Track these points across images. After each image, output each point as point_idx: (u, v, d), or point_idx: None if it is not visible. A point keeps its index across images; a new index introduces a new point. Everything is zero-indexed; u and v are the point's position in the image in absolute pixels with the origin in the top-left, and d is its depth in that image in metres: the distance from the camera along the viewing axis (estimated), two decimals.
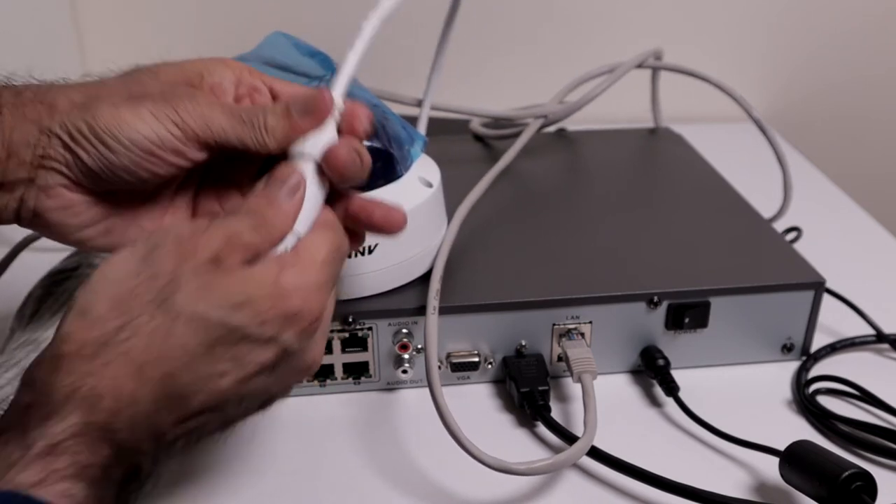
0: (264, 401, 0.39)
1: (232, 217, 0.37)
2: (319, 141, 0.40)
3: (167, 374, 0.34)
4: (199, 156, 0.40)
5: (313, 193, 0.40)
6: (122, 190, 0.41)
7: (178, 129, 0.39)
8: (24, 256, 0.58)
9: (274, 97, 0.43)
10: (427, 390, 0.49)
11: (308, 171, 0.40)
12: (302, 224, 0.39)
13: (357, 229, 0.42)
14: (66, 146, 0.39)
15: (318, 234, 0.39)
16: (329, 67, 0.54)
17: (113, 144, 0.39)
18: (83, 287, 0.35)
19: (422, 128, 0.65)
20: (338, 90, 0.42)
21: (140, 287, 0.34)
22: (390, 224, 0.42)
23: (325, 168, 0.40)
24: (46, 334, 0.49)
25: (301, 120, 0.40)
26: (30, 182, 0.40)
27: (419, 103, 0.68)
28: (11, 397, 0.35)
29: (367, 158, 0.41)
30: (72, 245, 0.43)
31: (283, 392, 0.39)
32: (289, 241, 0.39)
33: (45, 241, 0.60)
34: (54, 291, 0.53)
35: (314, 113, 0.40)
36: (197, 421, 0.36)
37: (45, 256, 0.59)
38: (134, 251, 0.35)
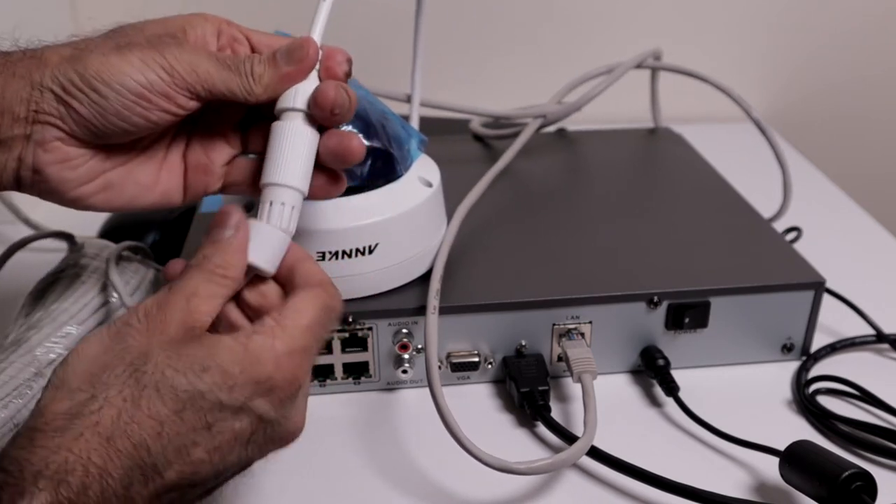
0: (242, 467, 0.38)
1: (185, 276, 0.37)
2: (304, 92, 0.41)
3: (137, 444, 0.33)
4: (189, 104, 0.41)
5: (306, 147, 0.40)
6: (117, 141, 0.41)
7: (166, 73, 0.40)
8: (20, 256, 0.58)
9: (252, 47, 0.44)
10: (427, 390, 0.49)
11: (297, 124, 0.40)
12: (300, 179, 0.40)
13: (325, 165, 0.43)
14: (58, 98, 0.39)
15: (306, 296, 0.38)
16: None
17: (104, 90, 0.39)
18: (60, 364, 0.35)
19: (414, 124, 0.65)
20: (315, 38, 0.42)
21: (112, 361, 0.34)
22: (347, 151, 0.42)
23: (315, 108, 0.40)
24: (29, 333, 0.49)
25: (287, 67, 0.41)
26: (26, 139, 0.40)
27: (408, 98, 0.68)
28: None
29: (354, 95, 0.41)
30: (72, 204, 0.42)
31: (262, 457, 0.38)
32: (295, 199, 0.39)
33: (42, 242, 0.60)
34: (45, 293, 0.53)
35: (300, 60, 0.41)
36: (172, 495, 0.35)
37: (41, 256, 0.59)
38: (108, 330, 0.36)
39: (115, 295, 0.53)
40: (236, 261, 0.38)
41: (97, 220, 0.70)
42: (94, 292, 0.53)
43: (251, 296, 0.40)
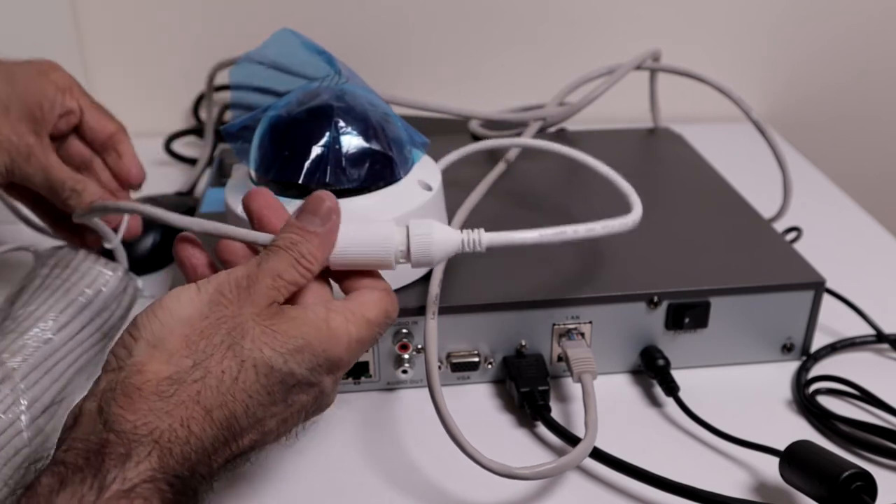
0: (291, 431, 0.41)
1: (273, 255, 0.39)
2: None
3: (230, 416, 0.36)
4: None
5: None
6: None
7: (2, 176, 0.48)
8: (18, 255, 0.58)
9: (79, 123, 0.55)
10: (427, 390, 0.49)
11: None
12: None
13: None
14: None
15: (374, 295, 0.41)
16: (333, 66, 0.54)
17: None
18: (147, 316, 0.37)
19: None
20: None
21: (209, 329, 0.36)
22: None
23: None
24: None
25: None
26: None
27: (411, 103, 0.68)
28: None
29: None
30: None
31: (304, 423, 0.42)
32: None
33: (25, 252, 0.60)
34: (13, 303, 0.54)
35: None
36: (239, 458, 0.38)
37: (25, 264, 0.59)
38: (199, 293, 0.38)
39: (87, 291, 0.55)
40: (321, 255, 0.41)
41: None
42: (57, 296, 0.53)
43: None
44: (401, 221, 0.53)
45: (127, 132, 0.59)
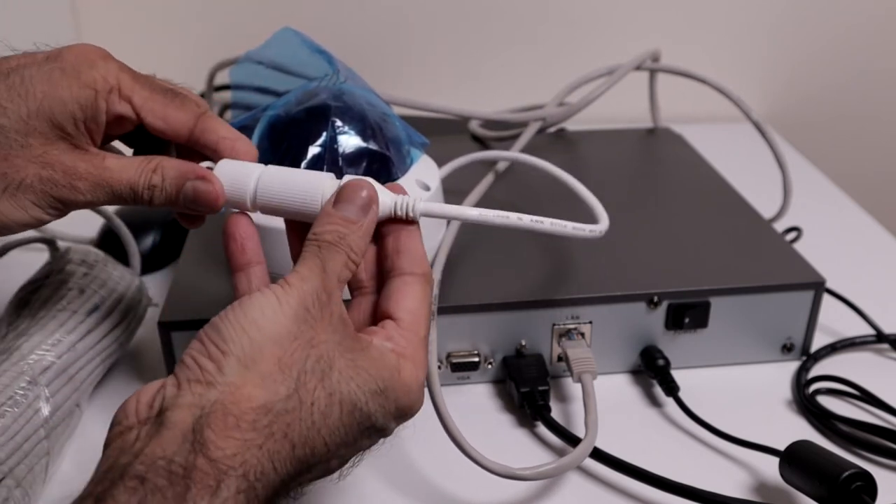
0: None
1: (328, 253, 0.37)
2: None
3: (310, 453, 0.34)
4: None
5: None
6: None
7: (59, 212, 0.41)
8: (14, 255, 0.58)
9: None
10: (427, 390, 0.49)
11: None
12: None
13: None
14: None
15: (417, 294, 0.39)
16: (332, 66, 0.54)
17: None
18: (234, 329, 0.34)
19: None
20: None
21: (300, 352, 0.35)
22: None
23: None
24: (19, 341, 0.49)
25: None
26: None
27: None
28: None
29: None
30: None
31: None
32: None
33: (22, 250, 0.60)
34: (30, 300, 0.52)
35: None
36: (298, 491, 0.36)
37: (37, 256, 0.59)
38: (281, 306, 0.35)
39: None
40: (364, 248, 0.39)
41: (96, 221, 0.70)
42: (83, 299, 0.52)
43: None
44: None
45: (209, 115, 0.44)
